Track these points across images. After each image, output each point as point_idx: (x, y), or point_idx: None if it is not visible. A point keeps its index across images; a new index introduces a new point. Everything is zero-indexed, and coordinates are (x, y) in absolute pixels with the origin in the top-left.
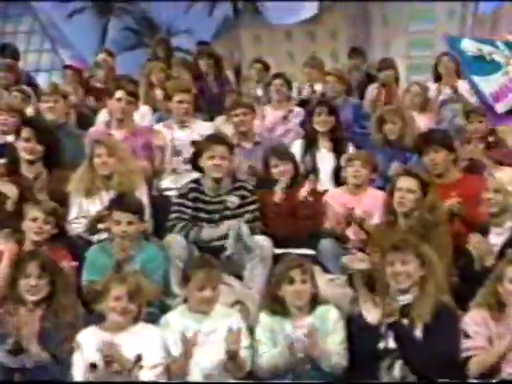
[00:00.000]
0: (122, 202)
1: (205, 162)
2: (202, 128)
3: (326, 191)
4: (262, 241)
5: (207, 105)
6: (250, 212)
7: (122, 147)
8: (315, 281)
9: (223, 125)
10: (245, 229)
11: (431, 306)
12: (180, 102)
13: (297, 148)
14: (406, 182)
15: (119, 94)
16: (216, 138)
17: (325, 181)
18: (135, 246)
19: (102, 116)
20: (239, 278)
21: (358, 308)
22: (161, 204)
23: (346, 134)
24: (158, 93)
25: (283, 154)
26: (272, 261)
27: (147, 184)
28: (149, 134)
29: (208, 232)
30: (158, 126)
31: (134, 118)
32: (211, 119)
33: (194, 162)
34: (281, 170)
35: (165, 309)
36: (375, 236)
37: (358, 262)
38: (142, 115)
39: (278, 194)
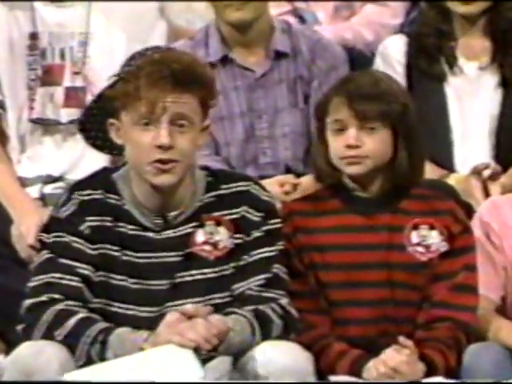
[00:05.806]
0: None
1: (130, 135)
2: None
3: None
4: (292, 356)
5: None
6: (262, 271)
7: None
8: None
9: None
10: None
11: None
12: None
13: (392, 58)
14: None
15: None
16: (159, 64)
17: (474, 152)
18: None
19: None
20: None
21: None
22: None
23: None
24: None
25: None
26: None
27: None
28: None
29: (120, 350)
30: None
31: None
32: None
33: (90, 129)
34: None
35: None
36: None
37: None
38: None
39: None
